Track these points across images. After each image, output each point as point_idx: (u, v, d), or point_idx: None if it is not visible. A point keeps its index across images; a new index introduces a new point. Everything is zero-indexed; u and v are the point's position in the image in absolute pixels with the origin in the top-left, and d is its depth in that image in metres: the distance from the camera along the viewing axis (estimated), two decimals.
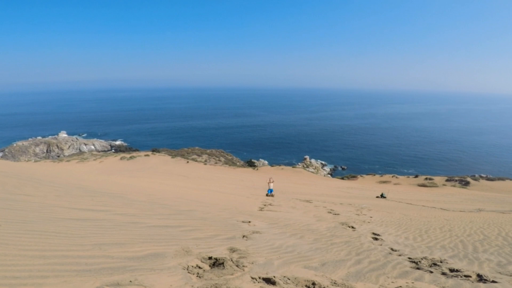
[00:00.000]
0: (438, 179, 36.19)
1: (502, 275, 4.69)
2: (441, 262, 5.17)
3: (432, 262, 5.12)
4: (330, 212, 11.08)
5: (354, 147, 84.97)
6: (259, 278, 3.53)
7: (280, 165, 44.32)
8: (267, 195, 16.66)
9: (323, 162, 68.07)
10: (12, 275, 2.56)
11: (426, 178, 36.39)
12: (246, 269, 3.77)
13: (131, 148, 74.83)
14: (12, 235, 3.45)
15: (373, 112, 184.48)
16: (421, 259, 5.23)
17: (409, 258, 5.27)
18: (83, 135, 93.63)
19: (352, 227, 7.98)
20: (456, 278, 4.40)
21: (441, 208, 16.18)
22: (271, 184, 17.30)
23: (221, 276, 3.44)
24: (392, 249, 5.83)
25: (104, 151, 72.28)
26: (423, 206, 17.23)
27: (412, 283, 4.05)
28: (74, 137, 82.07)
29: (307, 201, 15.33)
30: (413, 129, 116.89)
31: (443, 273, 4.56)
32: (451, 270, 4.71)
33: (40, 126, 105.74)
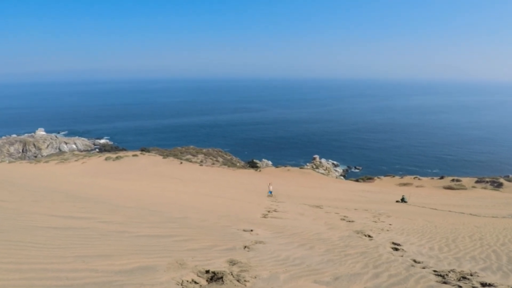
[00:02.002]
0: (466, 181, 35.98)
1: None
2: (471, 275, 5.13)
3: (461, 275, 5.08)
4: (344, 219, 11.06)
5: (370, 145, 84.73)
6: None
7: (286, 166, 44.30)
8: (268, 195, 20.02)
9: (334, 162, 67.97)
10: None
11: (452, 180, 36.20)
12: (248, 284, 3.75)
13: (117, 147, 75.24)
14: None
15: (392, 105, 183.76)
16: (448, 272, 5.19)
17: (434, 271, 5.24)
18: (63, 133, 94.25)
19: (369, 236, 7.95)
20: None
21: (470, 214, 16.10)
22: (271, 187, 20.85)
23: None
24: (414, 261, 5.80)
25: (87, 150, 72.70)
26: (449, 211, 17.15)
27: None
28: (53, 135, 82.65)
29: (317, 206, 15.31)
30: (438, 124, 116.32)
31: None
32: (483, 285, 4.67)
33: (15, 123, 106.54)
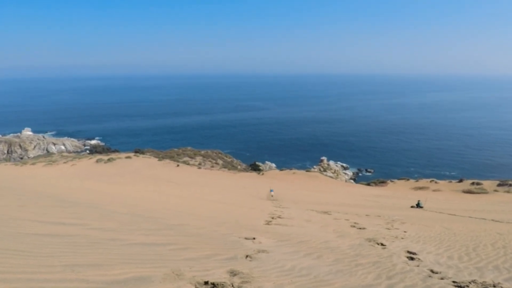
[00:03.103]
0: (487, 184, 35.73)
1: None
2: (494, 286, 5.10)
3: (483, 286, 5.04)
4: (354, 226, 11.03)
5: (382, 146, 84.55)
6: None
7: (291, 169, 44.25)
8: (272, 196, 21.64)
9: (344, 165, 67.86)
10: None
11: (472, 183, 35.96)
12: None
13: (109, 148, 75.58)
14: None
15: (405, 102, 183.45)
16: (469, 283, 5.15)
17: (453, 282, 5.20)
18: (51, 133, 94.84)
19: (382, 244, 7.91)
20: None
21: (492, 220, 15.98)
22: (272, 193, 22.32)
23: None
24: (432, 271, 5.77)
25: (77, 152, 73.17)
26: (469, 217, 17.05)
27: None
28: (41, 135, 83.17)
29: (325, 212, 15.29)
30: (455, 123, 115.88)
31: None
32: None
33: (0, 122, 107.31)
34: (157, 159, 41.35)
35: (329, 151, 76.45)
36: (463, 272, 5.90)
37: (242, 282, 4.12)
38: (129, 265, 4.02)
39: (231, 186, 28.80)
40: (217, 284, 3.84)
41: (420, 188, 35.66)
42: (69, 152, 71.35)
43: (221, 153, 52.32)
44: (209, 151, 50.97)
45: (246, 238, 7.04)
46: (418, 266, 6.11)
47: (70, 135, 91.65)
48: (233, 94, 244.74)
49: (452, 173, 59.20)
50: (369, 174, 63.49)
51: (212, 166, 43.75)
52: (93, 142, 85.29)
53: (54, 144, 76.01)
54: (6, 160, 63.97)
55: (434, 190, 34.53)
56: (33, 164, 39.05)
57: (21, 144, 72.12)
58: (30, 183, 16.11)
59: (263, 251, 5.98)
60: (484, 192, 32.55)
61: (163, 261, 4.43)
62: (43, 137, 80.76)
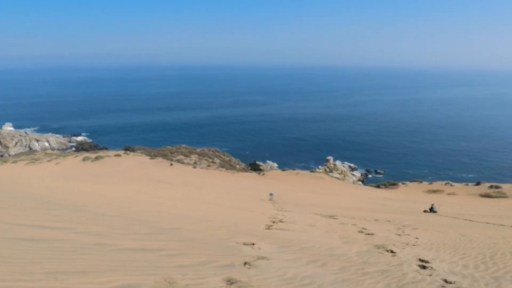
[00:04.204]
0: (507, 187, 35.75)
1: None
2: None
3: None
4: (362, 232, 11.05)
5: (393, 146, 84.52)
6: None
7: (294, 169, 44.31)
8: (270, 199, 22.22)
9: (351, 165, 67.88)
10: None
11: (491, 186, 35.99)
12: None
13: (97, 145, 75.61)
14: None
15: (420, 98, 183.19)
16: None
17: None
18: (34, 129, 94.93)
19: (392, 252, 7.93)
20: None
21: (511, 226, 16.02)
22: (271, 196, 22.87)
23: None
24: (445, 281, 5.78)
25: (62, 149, 73.22)
26: (487, 223, 17.08)
27: None
28: (23, 131, 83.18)
29: (331, 216, 15.30)
30: (474, 122, 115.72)
31: None
32: None
33: None
34: (148, 157, 41.38)
35: (335, 150, 76.44)
36: (479, 282, 5.91)
37: None
38: (117, 272, 4.03)
39: (229, 187, 28.85)
40: None
41: (434, 191, 35.69)
42: (54, 149, 71.43)
43: (218, 152, 52.34)
44: (205, 149, 51.00)
45: (244, 244, 7.05)
46: (430, 275, 6.12)
47: (55, 131, 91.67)
48: (232, 87, 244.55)
49: (469, 176, 59.15)
50: (379, 175, 63.53)
51: (209, 166, 43.79)
52: (79, 138, 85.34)
53: (37, 141, 76.09)
54: None
55: (449, 194, 34.56)
56: (14, 162, 39.09)
57: (1, 140, 72.22)
58: (11, 183, 16.15)
59: (263, 257, 5.99)
60: (503, 196, 32.55)
61: (154, 268, 4.45)
62: (25, 133, 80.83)
